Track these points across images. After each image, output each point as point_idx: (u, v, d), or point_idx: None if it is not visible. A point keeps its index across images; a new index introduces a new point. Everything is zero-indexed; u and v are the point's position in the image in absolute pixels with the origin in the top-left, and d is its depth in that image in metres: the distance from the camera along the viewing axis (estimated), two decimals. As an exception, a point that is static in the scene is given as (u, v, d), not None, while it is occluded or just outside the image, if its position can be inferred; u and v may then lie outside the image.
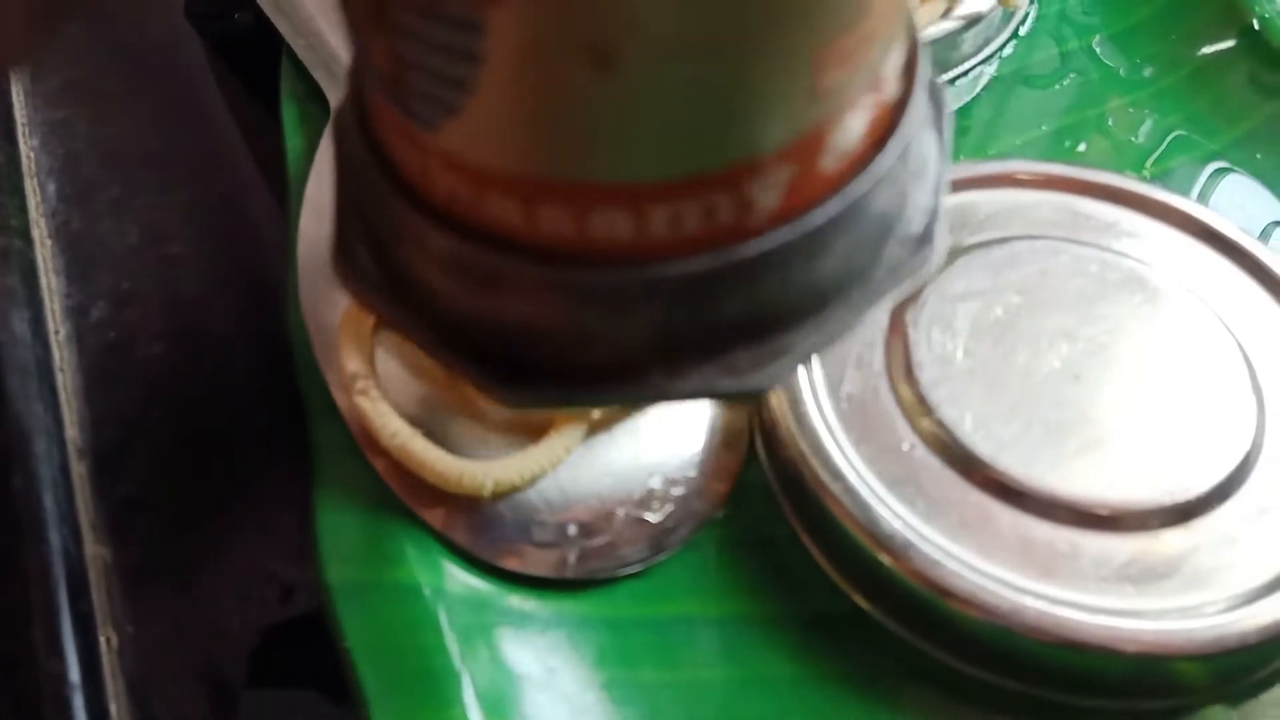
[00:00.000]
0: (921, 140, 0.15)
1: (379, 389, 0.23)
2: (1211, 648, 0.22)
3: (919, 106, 0.14)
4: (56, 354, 0.27)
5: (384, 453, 0.23)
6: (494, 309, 0.13)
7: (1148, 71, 0.35)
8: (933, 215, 0.15)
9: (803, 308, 0.14)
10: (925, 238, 0.14)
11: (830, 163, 0.13)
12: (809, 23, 0.11)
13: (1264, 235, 0.31)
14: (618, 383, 0.14)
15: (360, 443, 0.23)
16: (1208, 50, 0.35)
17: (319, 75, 0.30)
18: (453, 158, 0.12)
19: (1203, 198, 0.32)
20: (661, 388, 0.13)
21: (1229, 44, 0.35)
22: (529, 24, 0.11)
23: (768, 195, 0.12)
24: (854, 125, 0.13)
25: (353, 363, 0.24)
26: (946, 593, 0.22)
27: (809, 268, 0.13)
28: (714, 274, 0.13)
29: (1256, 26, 0.35)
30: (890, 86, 0.14)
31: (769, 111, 0.12)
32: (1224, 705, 0.23)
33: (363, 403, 0.23)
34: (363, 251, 0.14)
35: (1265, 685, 0.23)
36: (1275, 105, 0.34)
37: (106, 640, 0.23)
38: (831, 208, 0.13)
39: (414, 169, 0.13)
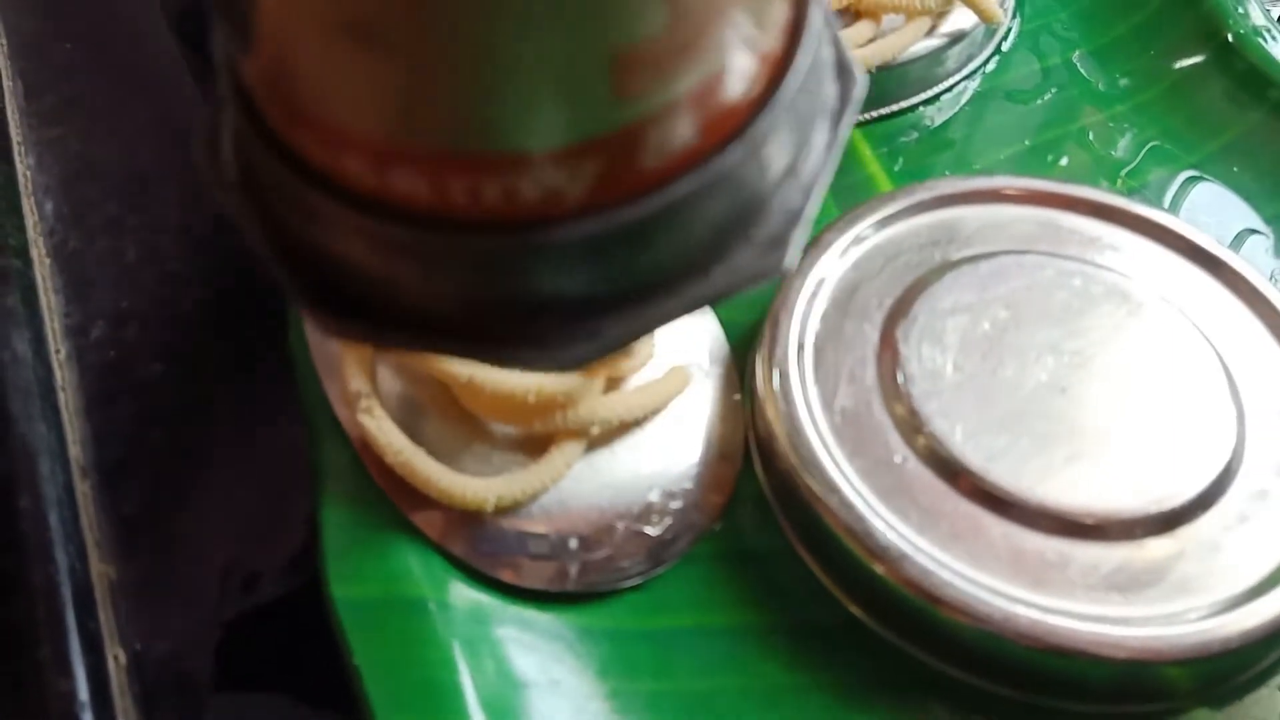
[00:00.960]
0: (788, 137, 0.14)
1: (382, 407, 0.24)
2: (1196, 653, 0.23)
3: (782, 105, 0.13)
4: (58, 373, 0.28)
5: (387, 470, 0.24)
6: (315, 239, 0.13)
7: (1127, 86, 0.36)
8: (794, 219, 0.14)
9: (620, 295, 0.13)
10: (779, 241, 0.14)
11: (650, 160, 0.12)
12: (595, 20, 0.11)
13: (1238, 243, 0.32)
14: (424, 333, 0.13)
15: (364, 460, 0.24)
16: (1185, 65, 0.36)
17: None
18: (265, 88, 0.12)
19: (1181, 210, 0.33)
20: (466, 347, 0.13)
21: (1205, 59, 0.36)
22: None
23: (573, 185, 0.12)
24: (678, 125, 0.12)
25: (356, 381, 0.24)
26: (940, 601, 0.23)
27: (625, 259, 0.13)
28: (515, 251, 0.12)
29: (1231, 41, 0.36)
30: (736, 85, 0.13)
31: (559, 105, 0.11)
32: (1208, 708, 0.24)
33: (367, 421, 0.23)
34: (226, 147, 0.14)
35: (1248, 688, 0.24)
36: (1251, 119, 0.34)
37: (115, 658, 0.23)
38: (650, 204, 0.12)
39: (253, 89, 0.13)
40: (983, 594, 0.23)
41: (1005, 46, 0.37)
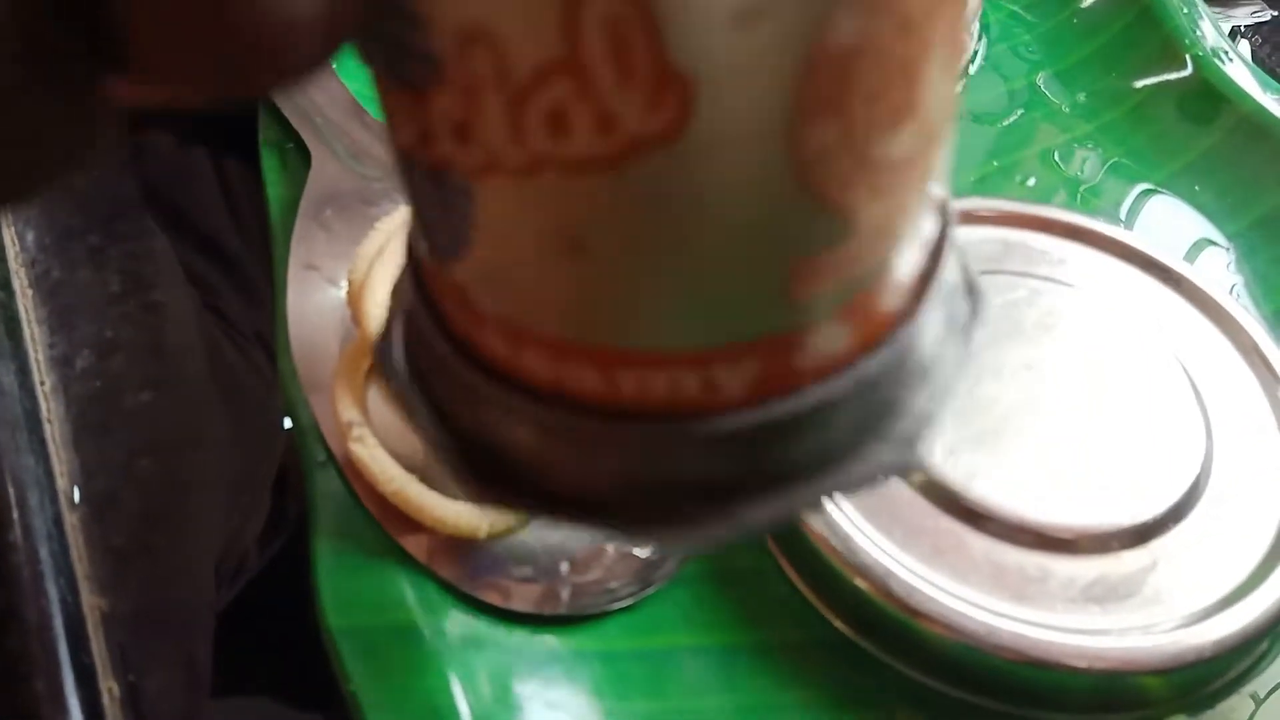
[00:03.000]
0: (926, 348, 0.14)
1: (374, 436, 0.24)
2: (1172, 662, 0.23)
3: (927, 316, 0.14)
4: (44, 405, 0.28)
5: (379, 498, 0.24)
6: (480, 422, 0.15)
7: (1090, 107, 0.37)
8: (926, 421, 0.15)
9: (762, 486, 0.14)
10: (912, 441, 0.14)
11: (805, 362, 0.13)
12: (778, 238, 0.12)
13: (1200, 260, 0.33)
14: (573, 510, 0.15)
15: (355, 489, 0.24)
16: (1146, 85, 0.37)
17: (298, 123, 0.30)
18: (457, 291, 0.14)
19: (1145, 228, 0.34)
20: (613, 524, 0.14)
21: (1166, 80, 0.37)
22: (508, 202, 0.12)
23: (733, 381, 0.13)
24: (836, 331, 0.13)
25: (348, 411, 0.24)
26: (924, 617, 0.24)
27: (771, 451, 0.14)
28: (674, 440, 0.13)
29: (1190, 63, 0.37)
30: (889, 298, 0.14)
31: (735, 310, 0.12)
32: (1185, 715, 0.24)
33: (359, 450, 0.24)
34: (398, 348, 0.15)
35: (1222, 695, 0.25)
36: (1210, 139, 0.36)
37: (109, 690, 0.23)
38: (801, 402, 0.13)
39: (433, 288, 0.14)
40: (965, 608, 0.24)
41: (971, 70, 0.38)
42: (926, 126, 0.12)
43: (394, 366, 0.15)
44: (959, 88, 0.12)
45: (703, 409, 0.13)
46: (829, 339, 0.13)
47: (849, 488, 0.14)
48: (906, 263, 0.14)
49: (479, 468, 0.15)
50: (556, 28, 0.10)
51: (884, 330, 0.14)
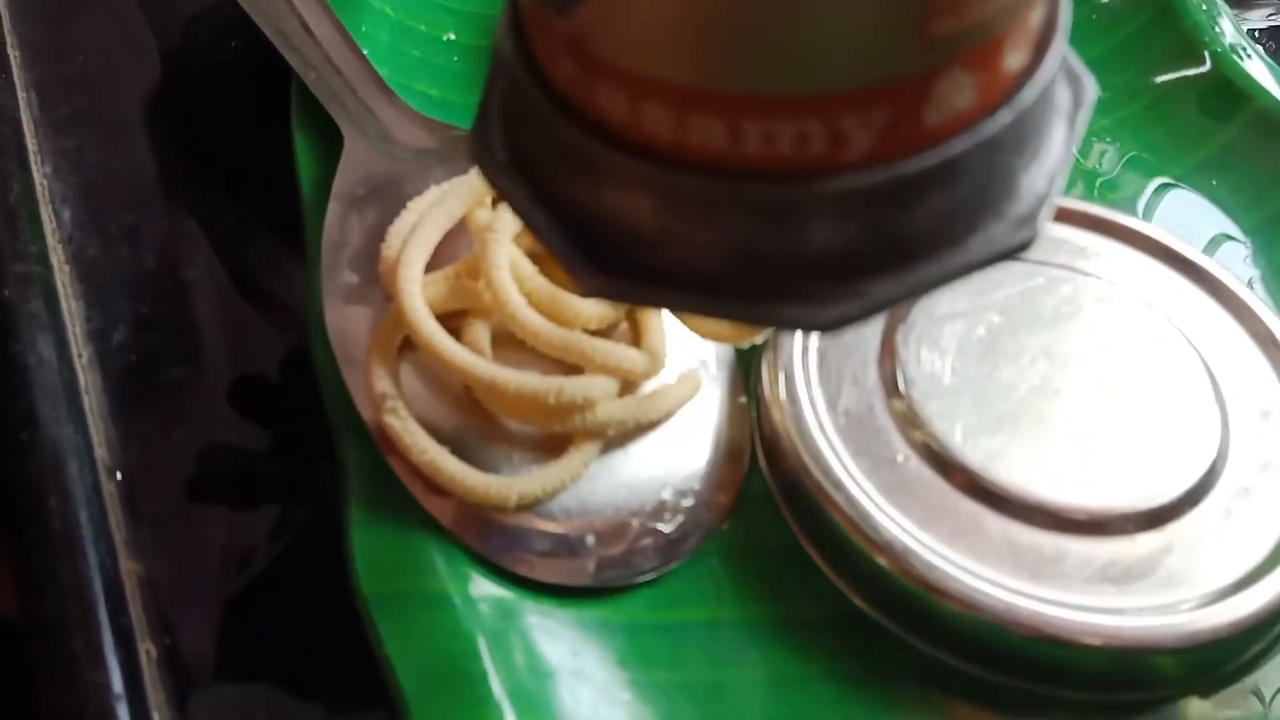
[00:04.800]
0: (1040, 119, 0.14)
1: (406, 407, 0.25)
2: (1186, 642, 0.24)
3: (1041, 83, 0.14)
4: (81, 377, 0.28)
5: (411, 469, 0.24)
6: (592, 196, 0.14)
7: (1109, 101, 0.38)
8: (1042, 201, 0.15)
9: (887, 256, 0.14)
10: (1029, 219, 0.14)
11: (933, 115, 0.13)
12: None
13: (1217, 252, 0.33)
14: (691, 291, 0.14)
15: (388, 460, 0.25)
16: (1164, 81, 0.38)
17: (331, 107, 0.31)
18: (574, 45, 0.13)
19: (1163, 220, 0.34)
20: (733, 305, 0.14)
21: (1184, 75, 0.37)
22: None
23: (862, 133, 0.13)
24: (963, 82, 0.13)
25: (382, 382, 0.25)
26: (943, 594, 0.24)
27: (896, 217, 0.14)
28: (799, 200, 0.13)
29: (1209, 58, 0.37)
30: (1012, 54, 0.14)
31: (867, 46, 0.12)
32: (1198, 696, 0.25)
33: (392, 421, 0.24)
34: (495, 134, 0.15)
35: (1235, 677, 0.25)
36: (1228, 133, 0.36)
37: (146, 652, 0.24)
38: (927, 159, 0.13)
39: (544, 53, 0.14)
40: (983, 586, 0.24)
41: (993, 63, 0.38)
42: None
43: (491, 154, 0.15)
44: None
45: (829, 165, 0.13)
46: (956, 90, 0.13)
47: (969, 267, 0.14)
48: (1030, 15, 0.14)
49: (586, 249, 0.14)
50: None
51: (1006, 88, 0.14)
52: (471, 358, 0.25)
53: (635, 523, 0.25)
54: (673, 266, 0.14)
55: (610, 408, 0.25)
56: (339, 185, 0.29)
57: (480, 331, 0.26)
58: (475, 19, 0.38)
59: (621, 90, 0.13)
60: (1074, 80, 0.16)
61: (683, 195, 0.13)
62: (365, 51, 0.33)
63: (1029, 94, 0.14)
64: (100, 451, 0.27)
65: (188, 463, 0.27)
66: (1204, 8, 0.38)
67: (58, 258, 0.31)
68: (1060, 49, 0.15)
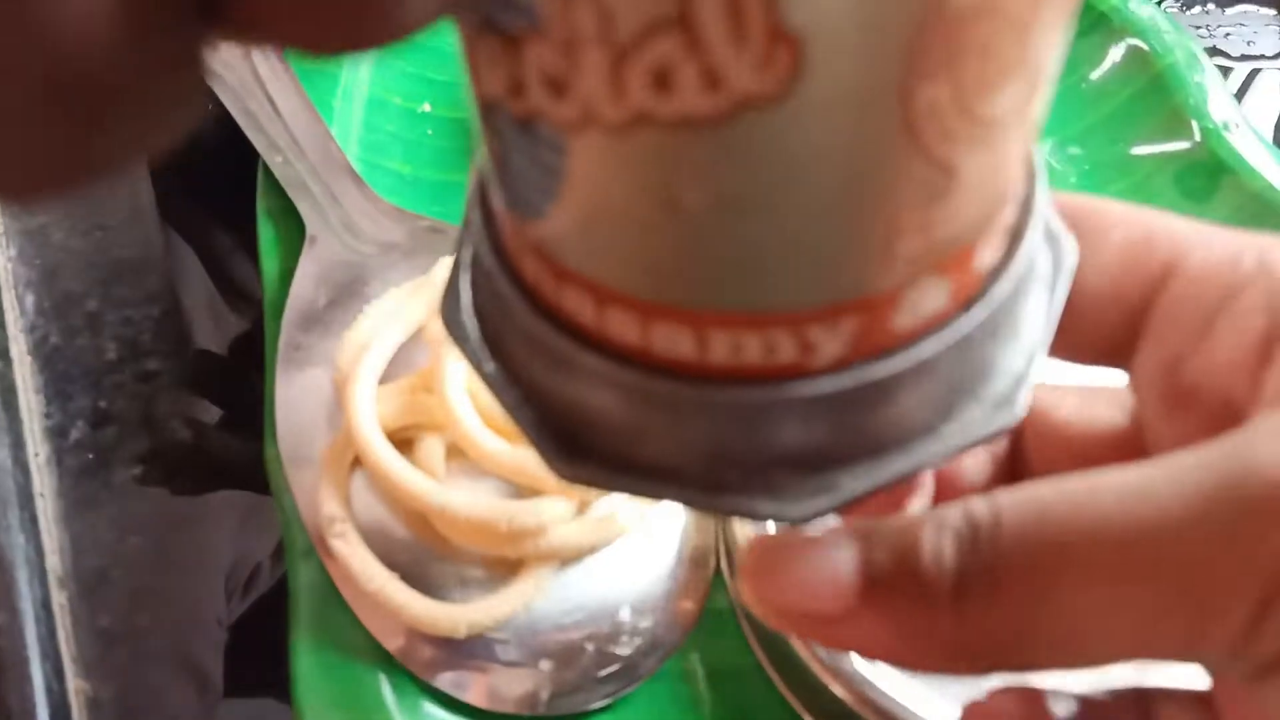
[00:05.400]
0: (1016, 305, 0.14)
1: (356, 529, 0.24)
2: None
3: (1017, 275, 0.14)
4: (36, 478, 0.28)
5: (360, 593, 0.24)
6: (560, 389, 0.14)
7: (1095, 177, 0.37)
8: (1021, 381, 0.14)
9: (858, 450, 0.14)
10: (1007, 401, 0.14)
11: (903, 320, 0.13)
12: (881, 193, 0.12)
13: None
14: (661, 482, 0.14)
15: (336, 582, 0.24)
16: (1152, 156, 0.37)
17: (296, 196, 0.30)
18: (539, 249, 0.13)
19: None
20: (702, 498, 0.14)
21: (1173, 150, 0.37)
22: (602, 157, 0.11)
23: (831, 342, 0.13)
24: (934, 287, 0.13)
25: (330, 505, 0.24)
26: (900, 727, 0.24)
27: (868, 414, 0.14)
28: (767, 405, 0.13)
29: (1198, 134, 0.36)
30: (985, 254, 0.14)
31: (832, 269, 0.12)
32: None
33: (340, 546, 0.24)
34: (465, 303, 0.15)
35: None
36: (1218, 216, 0.35)
37: (90, 780, 0.24)
38: (897, 363, 0.13)
39: (511, 247, 0.14)
40: (940, 718, 0.24)
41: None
42: (1034, 80, 0.12)
43: (461, 326, 0.15)
44: (1068, 36, 0.12)
45: (798, 371, 0.13)
46: (927, 296, 0.13)
47: (945, 453, 0.14)
48: (1003, 216, 0.13)
49: (556, 436, 0.14)
50: None
51: (978, 286, 0.14)
52: (423, 482, 0.24)
53: (591, 647, 0.25)
54: (643, 458, 0.14)
55: (565, 532, 0.24)
56: (298, 284, 0.28)
57: (434, 446, 0.25)
58: (453, 88, 0.37)
59: (587, 295, 0.13)
60: (1053, 241, 0.15)
61: (651, 396, 0.13)
62: (335, 130, 0.33)
63: (1004, 287, 0.14)
64: (52, 559, 0.27)
65: (140, 571, 0.27)
66: (1195, 80, 0.37)
67: (19, 348, 0.30)
68: (1037, 230, 0.14)
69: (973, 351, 0.14)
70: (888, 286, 0.13)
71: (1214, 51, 0.44)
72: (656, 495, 0.14)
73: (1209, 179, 0.36)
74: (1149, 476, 0.13)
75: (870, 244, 0.12)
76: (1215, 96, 0.37)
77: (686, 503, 0.14)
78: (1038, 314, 0.15)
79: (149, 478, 0.29)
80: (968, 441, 0.14)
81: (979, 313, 0.14)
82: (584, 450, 0.14)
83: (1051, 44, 0.12)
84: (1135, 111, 0.38)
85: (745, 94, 0.10)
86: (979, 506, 0.14)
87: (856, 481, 0.14)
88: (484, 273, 0.14)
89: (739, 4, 0.10)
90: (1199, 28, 0.44)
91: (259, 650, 0.24)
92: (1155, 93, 0.37)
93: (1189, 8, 0.45)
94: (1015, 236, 0.14)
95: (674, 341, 0.13)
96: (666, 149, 0.11)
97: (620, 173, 0.12)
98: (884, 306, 0.13)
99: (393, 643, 0.24)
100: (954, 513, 0.14)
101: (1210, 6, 0.45)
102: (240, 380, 0.31)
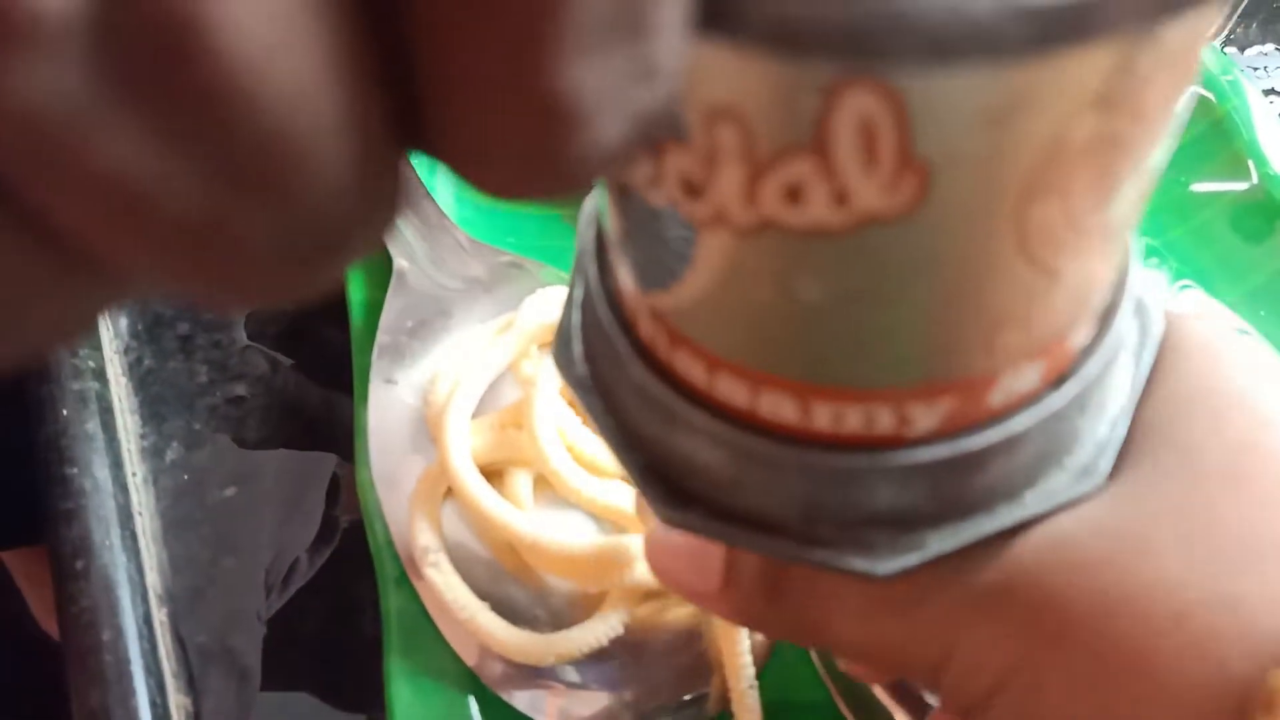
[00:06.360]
0: (1105, 379, 0.15)
1: (449, 560, 0.25)
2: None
3: (1107, 355, 0.14)
4: (135, 498, 0.29)
5: (451, 621, 0.25)
6: (668, 440, 0.15)
7: (1158, 222, 0.37)
8: (1104, 448, 0.15)
9: (946, 512, 0.15)
10: (1090, 470, 0.15)
11: (998, 398, 0.14)
12: (989, 298, 0.12)
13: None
14: (759, 533, 0.15)
15: (428, 610, 0.25)
16: (1214, 199, 0.37)
17: (382, 228, 0.31)
18: (656, 313, 0.14)
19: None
20: (797, 550, 0.15)
21: (1232, 195, 0.37)
22: (728, 250, 0.12)
23: (928, 417, 0.14)
24: (1028, 372, 0.14)
25: (424, 535, 0.25)
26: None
27: (958, 481, 0.14)
28: (864, 470, 0.14)
29: (1257, 180, 0.37)
30: (1078, 337, 0.14)
31: (936, 357, 0.13)
32: None
33: (434, 575, 0.25)
34: (577, 349, 0.16)
35: None
36: (1277, 262, 0.36)
37: (193, 793, 0.25)
38: (989, 436, 0.14)
39: (628, 306, 0.15)
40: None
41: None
42: (1143, 189, 0.13)
43: (573, 368, 0.16)
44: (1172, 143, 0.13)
45: (894, 441, 0.14)
46: (1021, 378, 0.14)
47: (1027, 517, 0.15)
48: (1098, 303, 0.14)
49: (662, 482, 0.15)
50: (810, 121, 0.10)
51: (1070, 365, 0.14)
52: (513, 514, 0.25)
53: (672, 676, 0.26)
54: (742, 510, 0.15)
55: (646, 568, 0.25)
56: (387, 315, 0.29)
57: (522, 480, 0.26)
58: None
59: (699, 359, 0.14)
60: (1141, 312, 0.16)
61: (754, 454, 0.14)
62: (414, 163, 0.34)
63: (1094, 365, 0.15)
64: (151, 577, 0.28)
65: (234, 591, 0.28)
66: (1255, 124, 0.38)
67: (114, 369, 0.31)
68: (1129, 307, 0.15)
69: (1061, 424, 0.15)
70: (985, 371, 0.14)
71: (1271, 92, 0.44)
72: (753, 546, 0.15)
73: (1270, 223, 0.36)
74: None
75: (973, 337, 0.13)
76: (1272, 142, 0.37)
77: (781, 554, 0.15)
78: (1123, 383, 0.16)
79: (240, 499, 0.30)
80: (1049, 507, 0.15)
81: (1070, 389, 0.14)
82: (687, 498, 0.15)
83: (1161, 157, 0.12)
84: (1196, 153, 0.38)
85: (871, 212, 0.11)
86: None
87: (943, 541, 0.15)
88: (598, 323, 0.15)
89: (872, 134, 0.10)
90: (1257, 69, 0.45)
91: (296, 643, 0.25)
92: (1215, 137, 0.38)
93: (1245, 49, 0.46)
94: (1107, 317, 0.15)
95: (779, 407, 0.14)
96: (791, 250, 0.12)
97: (744, 265, 0.12)
98: (981, 387, 0.14)
99: (485, 670, 0.25)
100: None
101: (1270, 47, 0.46)
102: (323, 404, 0.32)
